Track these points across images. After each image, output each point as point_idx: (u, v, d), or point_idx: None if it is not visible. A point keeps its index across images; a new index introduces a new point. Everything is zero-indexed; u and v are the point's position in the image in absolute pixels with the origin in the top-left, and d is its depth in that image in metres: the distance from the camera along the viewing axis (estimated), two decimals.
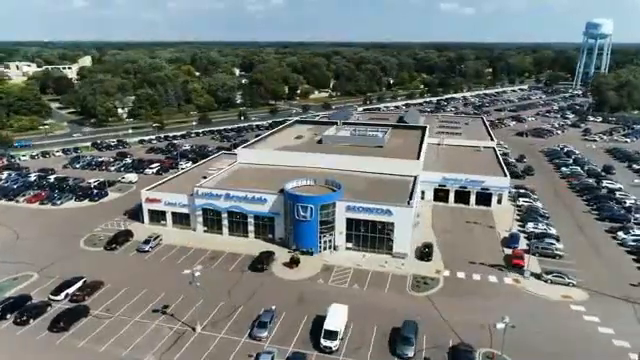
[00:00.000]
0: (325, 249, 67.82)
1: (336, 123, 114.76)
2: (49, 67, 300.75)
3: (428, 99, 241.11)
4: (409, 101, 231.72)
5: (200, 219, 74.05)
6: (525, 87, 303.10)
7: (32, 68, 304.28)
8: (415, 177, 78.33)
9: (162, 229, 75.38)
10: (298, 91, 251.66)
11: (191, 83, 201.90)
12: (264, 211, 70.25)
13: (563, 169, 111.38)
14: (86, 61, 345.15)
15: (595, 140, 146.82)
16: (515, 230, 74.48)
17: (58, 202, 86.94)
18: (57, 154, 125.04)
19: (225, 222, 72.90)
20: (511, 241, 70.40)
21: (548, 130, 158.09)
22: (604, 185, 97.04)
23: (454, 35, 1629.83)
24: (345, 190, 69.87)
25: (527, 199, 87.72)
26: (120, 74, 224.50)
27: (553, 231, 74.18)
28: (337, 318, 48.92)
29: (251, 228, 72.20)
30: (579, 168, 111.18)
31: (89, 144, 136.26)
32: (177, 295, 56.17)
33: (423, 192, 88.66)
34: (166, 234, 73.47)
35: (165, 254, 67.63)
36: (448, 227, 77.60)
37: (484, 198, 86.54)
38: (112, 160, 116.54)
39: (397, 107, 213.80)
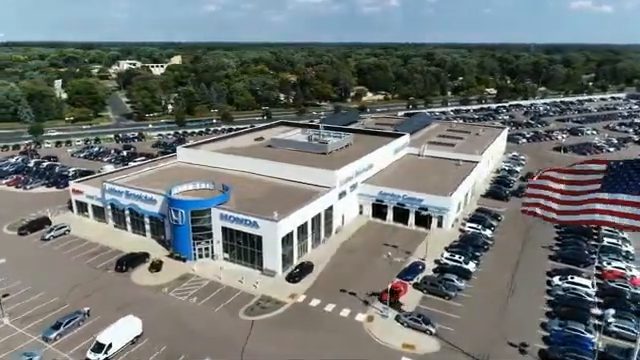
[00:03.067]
0: (202, 257, 65.23)
1: (317, 127, 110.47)
2: (138, 65, 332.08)
3: (486, 105, 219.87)
4: (462, 107, 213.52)
5: (110, 214, 76.04)
6: (621, 95, 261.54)
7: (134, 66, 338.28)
8: (330, 188, 71.78)
9: (84, 220, 78.90)
10: (352, 93, 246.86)
11: (236, 83, 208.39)
12: (155, 211, 69.67)
13: None
14: (175, 60, 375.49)
15: None
16: (422, 260, 64.38)
17: (27, 187, 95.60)
18: (77, 143, 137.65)
19: (128, 219, 73.89)
20: (407, 272, 61.07)
21: (597, 146, 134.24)
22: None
23: (585, 36, 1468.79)
24: (245, 198, 66.64)
25: (477, 225, 75.32)
26: (182, 72, 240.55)
27: (470, 266, 62.70)
28: (118, 331, 46.58)
29: (147, 227, 72.18)
30: None
31: (112, 136, 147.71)
32: (27, 285, 58.20)
33: (361, 207, 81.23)
34: (83, 226, 76.68)
35: (60, 244, 70.42)
36: (358, 247, 69.88)
37: (423, 219, 76.43)
38: (111, 152, 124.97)
39: (443, 113, 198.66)
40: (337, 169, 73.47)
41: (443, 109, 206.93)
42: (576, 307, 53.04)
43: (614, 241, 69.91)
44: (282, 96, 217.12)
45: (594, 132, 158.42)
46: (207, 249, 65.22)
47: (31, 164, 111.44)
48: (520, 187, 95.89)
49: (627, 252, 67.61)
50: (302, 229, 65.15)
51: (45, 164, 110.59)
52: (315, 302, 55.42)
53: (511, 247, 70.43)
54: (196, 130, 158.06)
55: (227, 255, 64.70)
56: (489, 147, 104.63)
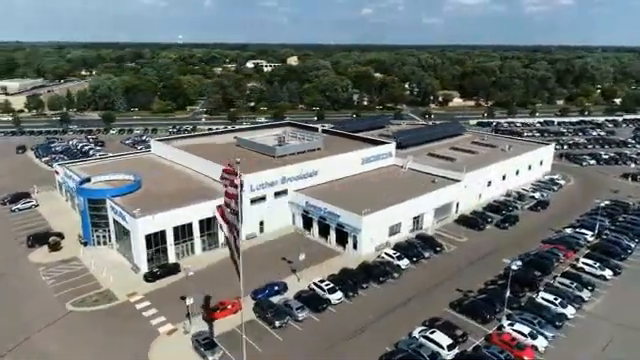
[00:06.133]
0: (100, 243, 68.34)
1: (316, 129, 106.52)
2: (263, 64, 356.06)
3: (589, 118, 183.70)
4: (555, 119, 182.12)
5: (66, 195, 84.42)
6: None
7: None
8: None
9: (60, 199, 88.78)
10: (439, 97, 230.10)
11: (307, 83, 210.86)
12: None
13: (568, 230, 74.31)
14: (292, 61, 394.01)
15: None
16: (282, 281, 57.76)
17: (42, 160, 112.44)
18: (136, 132, 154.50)
19: (75, 201, 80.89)
20: (260, 291, 55.42)
21: None
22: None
23: None
24: (159, 192, 68.51)
25: (396, 254, 64.32)
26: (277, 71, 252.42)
27: (334, 296, 54.15)
28: None
29: None
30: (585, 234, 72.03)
31: (171, 128, 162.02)
32: None
33: (294, 216, 76.05)
34: (53, 203, 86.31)
35: (19, 216, 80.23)
36: (253, 257, 65.15)
37: (343, 237, 68.34)
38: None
39: (524, 124, 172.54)
40: (250, 173, 69.91)
41: (530, 120, 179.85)
42: None
43: (551, 298, 53.40)
44: (355, 97, 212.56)
45: None
46: (104, 237, 68.17)
47: (58, 148, 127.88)
48: (513, 217, 79.32)
49: (562, 315, 51.23)
50: (185, 229, 63.85)
51: (86, 148, 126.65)
52: (143, 304, 54.10)
53: (415, 284, 59.03)
54: (244, 125, 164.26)
55: (118, 246, 66.77)
56: (491, 166, 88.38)
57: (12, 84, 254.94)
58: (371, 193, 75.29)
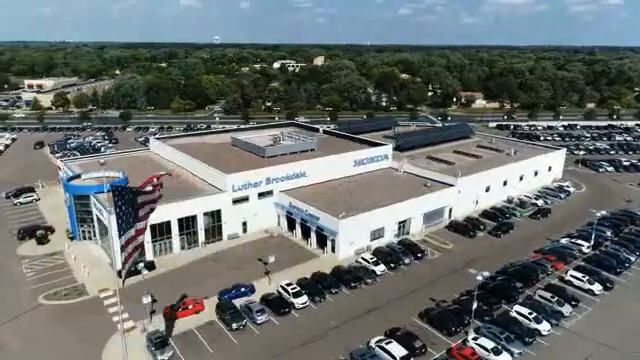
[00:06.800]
0: (86, 238, 69.82)
1: (317, 130, 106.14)
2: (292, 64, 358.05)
3: (618, 122, 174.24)
4: (580, 122, 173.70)
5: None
6: None
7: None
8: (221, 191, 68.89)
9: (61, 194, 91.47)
10: (462, 99, 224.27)
11: (325, 83, 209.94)
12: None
13: (563, 241, 70.32)
14: (319, 61, 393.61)
15: None
16: (250, 283, 57.02)
17: (56, 155, 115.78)
18: (152, 130, 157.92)
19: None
20: (227, 292, 55.11)
21: None
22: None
23: None
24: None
25: (373, 259, 62.60)
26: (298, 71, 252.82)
27: (299, 300, 53.12)
28: None
29: None
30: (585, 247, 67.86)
31: (184, 126, 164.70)
32: None
33: (279, 217, 75.45)
34: (56, 198, 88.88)
35: (19, 210, 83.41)
36: (232, 257, 65.44)
37: (323, 239, 67.16)
38: None
39: (550, 127, 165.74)
40: (232, 173, 69.78)
41: (553, 123, 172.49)
42: None
43: (526, 312, 50.47)
44: (373, 97, 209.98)
45: None
46: (89, 232, 69.62)
47: (74, 144, 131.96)
48: (506, 225, 75.96)
49: (535, 331, 48.33)
50: (162, 227, 64.30)
51: (99, 145, 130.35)
52: (111, 300, 54.59)
53: (388, 291, 57.20)
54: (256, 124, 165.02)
55: (101, 241, 68.02)
56: (489, 171, 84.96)
57: (48, 82, 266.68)
58: (358, 196, 73.75)
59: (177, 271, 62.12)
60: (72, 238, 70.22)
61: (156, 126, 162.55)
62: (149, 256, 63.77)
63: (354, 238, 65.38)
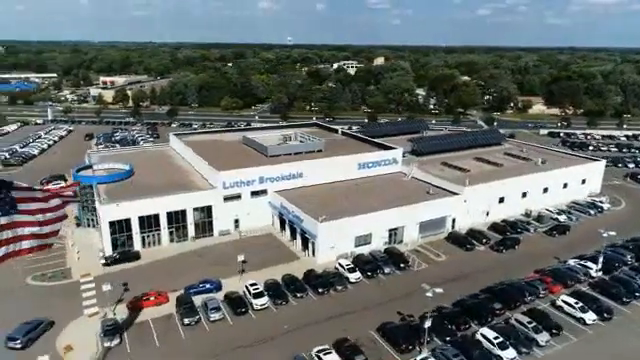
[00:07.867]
0: (90, 226, 73.98)
1: (336, 131, 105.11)
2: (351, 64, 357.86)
3: None
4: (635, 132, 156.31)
5: None
6: None
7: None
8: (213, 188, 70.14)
9: None
10: (519, 103, 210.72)
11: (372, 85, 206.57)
12: None
13: (571, 262, 63.29)
14: (378, 61, 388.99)
15: None
16: (216, 280, 57.24)
17: (99, 147, 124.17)
18: (194, 126, 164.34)
19: None
20: (194, 286, 55.85)
21: None
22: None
23: None
24: (149, 183, 72.80)
25: (348, 265, 60.37)
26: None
27: (259, 301, 52.47)
28: None
29: None
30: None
31: (225, 123, 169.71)
32: None
33: (273, 217, 75.31)
34: None
35: None
36: (215, 254, 66.31)
37: (306, 242, 65.99)
38: None
39: (610, 137, 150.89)
40: (224, 170, 70.62)
41: (616, 132, 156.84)
42: None
43: (492, 336, 46.08)
44: (421, 99, 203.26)
45: None
46: (92, 220, 73.73)
47: (118, 137, 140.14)
48: (511, 240, 70.16)
49: (497, 357, 44.06)
50: (151, 219, 66.54)
51: (140, 139, 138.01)
52: (88, 286, 57.43)
53: (357, 300, 55.06)
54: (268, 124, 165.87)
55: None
56: (504, 180, 78.82)
57: (120, 79, 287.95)
58: (354, 200, 71.69)
59: (159, 263, 63.98)
60: (79, 225, 74.78)
61: (199, 123, 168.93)
62: (137, 247, 66.39)
63: (335, 243, 63.55)
